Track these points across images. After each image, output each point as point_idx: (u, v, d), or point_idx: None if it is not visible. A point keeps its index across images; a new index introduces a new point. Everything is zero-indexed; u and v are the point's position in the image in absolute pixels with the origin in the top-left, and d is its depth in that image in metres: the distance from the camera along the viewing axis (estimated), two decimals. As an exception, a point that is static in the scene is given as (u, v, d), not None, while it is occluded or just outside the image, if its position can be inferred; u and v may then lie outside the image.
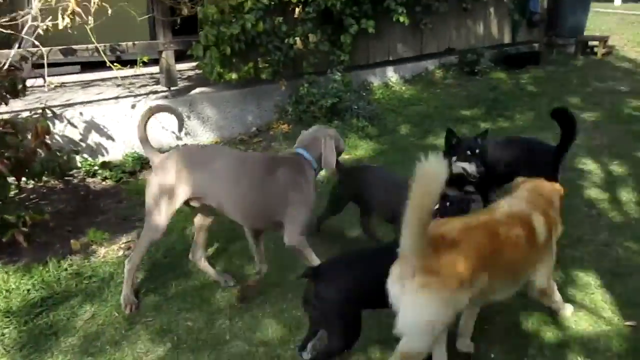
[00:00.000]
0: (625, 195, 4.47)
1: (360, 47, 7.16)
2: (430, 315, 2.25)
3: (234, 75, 5.58)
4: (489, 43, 9.05)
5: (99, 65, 5.54)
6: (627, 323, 2.99)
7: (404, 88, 7.47)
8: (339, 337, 2.54)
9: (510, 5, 9.06)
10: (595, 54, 9.49)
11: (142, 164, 5.16)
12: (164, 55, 5.42)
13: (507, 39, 9.40)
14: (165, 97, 5.56)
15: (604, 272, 3.45)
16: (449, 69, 8.22)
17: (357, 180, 3.69)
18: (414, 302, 2.23)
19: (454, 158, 3.62)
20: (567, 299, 3.16)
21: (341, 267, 2.65)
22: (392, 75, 7.69)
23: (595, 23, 12.48)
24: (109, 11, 4.30)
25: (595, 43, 9.59)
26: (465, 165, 3.59)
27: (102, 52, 4.73)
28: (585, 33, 10.09)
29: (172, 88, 5.63)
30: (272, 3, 5.79)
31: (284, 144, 5.79)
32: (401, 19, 6.79)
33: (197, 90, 5.96)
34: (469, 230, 2.37)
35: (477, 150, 3.59)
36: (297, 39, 6.02)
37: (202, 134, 5.77)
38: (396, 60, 7.75)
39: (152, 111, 3.33)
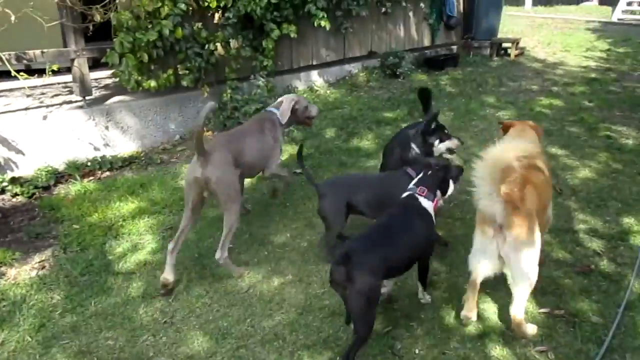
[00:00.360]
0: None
1: (284, 52, 7.17)
2: (537, 254, 2.83)
3: (152, 83, 5.42)
4: (410, 46, 9.32)
5: (6, 75, 5.23)
6: (541, 310, 3.15)
7: (328, 92, 7.54)
8: (368, 324, 2.69)
9: (427, 10, 9.37)
10: (509, 55, 9.98)
11: (57, 177, 4.92)
12: (76, 63, 5.18)
13: (426, 42, 9.71)
14: (80, 107, 5.33)
15: (519, 263, 3.62)
16: (372, 72, 8.39)
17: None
18: (523, 250, 2.76)
19: (437, 141, 4.04)
20: (486, 291, 3.29)
21: (371, 247, 2.78)
22: (316, 79, 7.75)
23: (509, 26, 13.15)
24: (12, 18, 4.07)
25: (509, 45, 10.10)
26: (448, 143, 4.07)
27: (6, 61, 4.46)
28: (499, 35, 10.60)
29: (87, 97, 5.39)
30: (190, 8, 5.69)
31: (209, 151, 5.69)
32: (322, 23, 6.85)
33: (115, 99, 5.76)
34: (524, 186, 2.79)
35: (446, 130, 4.11)
36: (218, 44, 5.95)
37: (122, 144, 5.57)
38: (320, 64, 7.82)
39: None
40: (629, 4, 15.03)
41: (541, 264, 2.96)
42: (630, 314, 3.08)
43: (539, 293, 3.29)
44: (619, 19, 14.25)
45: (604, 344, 2.80)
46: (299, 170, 4.70)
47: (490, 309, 3.17)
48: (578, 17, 14.87)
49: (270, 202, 4.57)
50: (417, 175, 3.32)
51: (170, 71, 5.62)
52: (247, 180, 4.90)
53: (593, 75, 8.59)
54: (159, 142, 5.90)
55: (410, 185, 3.20)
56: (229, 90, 6.08)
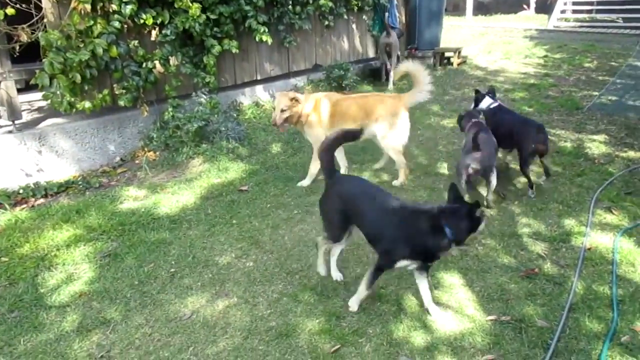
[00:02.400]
0: (484, 194, 4.75)
1: (226, 68, 7.06)
2: None
3: (87, 104, 5.20)
4: (355, 58, 9.38)
5: None
6: (488, 318, 3.14)
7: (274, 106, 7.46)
8: None
9: (370, 22, 9.47)
10: (452, 64, 10.18)
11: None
12: (2, 85, 4.91)
13: (370, 53, 9.80)
14: (10, 131, 5.05)
15: (466, 270, 3.62)
16: (317, 84, 8.37)
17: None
18: None
19: None
20: (436, 302, 3.26)
21: None
22: (261, 94, 7.66)
23: (451, 35, 13.46)
24: None
25: (451, 54, 10.30)
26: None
27: None
28: (442, 45, 10.81)
29: (16, 122, 5.12)
30: (126, 26, 5.51)
31: (151, 172, 5.51)
32: (264, 38, 6.79)
33: (49, 122, 5.50)
34: None
35: None
36: (156, 62, 5.79)
37: (57, 169, 5.31)
38: (265, 78, 7.74)
39: None
40: (563, 12, 15.67)
41: None
42: (574, 316, 3.10)
43: (486, 300, 3.29)
44: (554, 27, 14.82)
45: (550, 348, 2.81)
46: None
47: (438, 321, 3.13)
48: (516, 26, 15.38)
49: (214, 221, 4.43)
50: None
51: (106, 91, 5.41)
52: (189, 200, 4.77)
53: (532, 81, 8.85)
54: (98, 164, 5.67)
55: None
56: (170, 109, 5.91)
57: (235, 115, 6.73)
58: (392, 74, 8.82)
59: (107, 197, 4.91)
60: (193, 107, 5.97)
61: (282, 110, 4.81)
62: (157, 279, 3.67)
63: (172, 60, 6.07)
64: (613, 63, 10.11)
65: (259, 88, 7.64)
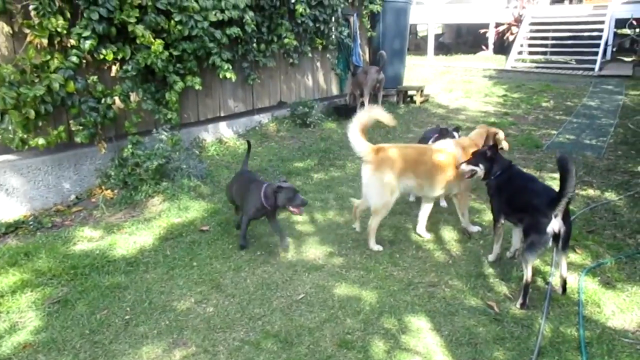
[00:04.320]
0: (448, 234, 4.73)
1: (189, 104, 6.96)
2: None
3: (41, 141, 4.98)
4: (319, 95, 9.42)
5: None
6: (457, 364, 3.04)
7: (238, 143, 7.37)
8: None
9: (334, 60, 9.57)
10: (415, 102, 10.35)
11: None
12: (-51, 121, 4.68)
13: (335, 91, 9.87)
14: (-44, 169, 4.79)
15: (434, 313, 3.54)
16: (282, 121, 8.34)
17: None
18: None
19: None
20: (402, 347, 3.16)
21: None
22: (225, 130, 7.56)
23: (413, 74, 13.74)
24: None
25: (414, 92, 10.48)
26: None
27: None
28: (405, 83, 11.00)
29: (-37, 159, 4.87)
30: (84, 61, 5.37)
31: (108, 211, 5.29)
32: (228, 75, 6.73)
33: (-1, 158, 5.25)
34: None
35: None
36: (116, 98, 5.64)
37: (7, 208, 5.04)
38: (229, 115, 7.66)
39: None
40: (520, 52, 16.26)
41: None
42: (543, 360, 3.04)
43: (454, 345, 3.21)
44: (512, 67, 15.33)
45: (521, 396, 2.73)
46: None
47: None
48: (476, 65, 15.85)
49: (173, 264, 4.24)
50: None
51: (61, 127, 5.21)
52: (148, 241, 4.57)
53: (492, 119, 9.04)
54: (51, 203, 5.42)
55: None
56: (129, 146, 5.73)
57: (197, 152, 6.59)
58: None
59: (60, 238, 4.66)
60: (154, 144, 5.81)
61: None
62: (110, 327, 3.45)
63: (133, 96, 5.93)
64: (569, 103, 10.48)
65: (222, 125, 7.54)
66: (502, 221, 4.00)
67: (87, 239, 4.68)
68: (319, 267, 4.18)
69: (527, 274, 3.57)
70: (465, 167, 4.23)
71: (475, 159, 4.18)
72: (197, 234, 4.78)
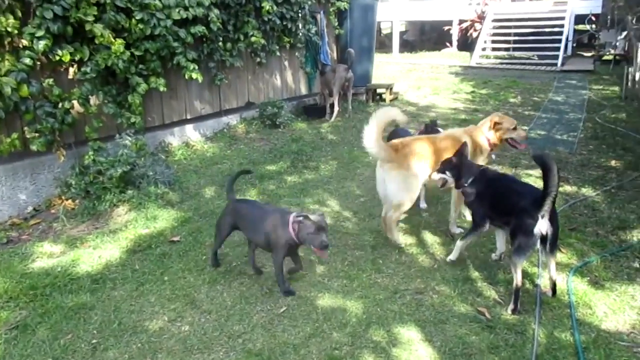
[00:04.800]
0: (430, 237, 4.58)
1: (154, 107, 6.63)
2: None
3: (-8, 150, 4.61)
4: (288, 95, 9.19)
5: None
6: (452, 376, 2.88)
7: (206, 146, 7.08)
8: None
9: (302, 59, 9.36)
10: (384, 100, 10.23)
11: None
12: None
13: (304, 90, 9.66)
14: None
15: (424, 322, 3.37)
16: (251, 123, 8.08)
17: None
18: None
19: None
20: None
21: None
22: (192, 133, 7.26)
23: (380, 72, 13.64)
24: None
25: (383, 90, 10.37)
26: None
27: None
28: (373, 81, 10.88)
29: None
30: (39, 63, 5.01)
31: (69, 223, 4.94)
32: (194, 75, 6.43)
33: (-54, 170, 4.84)
34: None
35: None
36: (75, 102, 5.29)
37: (-43, 224, 4.65)
38: (195, 117, 7.36)
39: None
40: (484, 49, 16.39)
41: None
42: (541, 369, 2.91)
43: (448, 356, 3.05)
44: (477, 63, 15.42)
45: (524, 411, 2.58)
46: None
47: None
48: (441, 62, 15.89)
49: (143, 279, 3.96)
50: None
51: (15, 135, 4.84)
52: (114, 255, 4.27)
53: (463, 116, 9.00)
54: (6, 216, 5.04)
55: None
56: (91, 152, 5.39)
57: (164, 157, 6.28)
58: (336, 108, 8.72)
59: (17, 255, 4.31)
60: (117, 150, 5.47)
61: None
62: (75, 353, 3.16)
63: (93, 100, 5.59)
64: (535, 98, 10.55)
65: (189, 128, 7.23)
66: (487, 226, 3.85)
67: (47, 255, 4.34)
68: (299, 277, 3.97)
69: (517, 278, 3.44)
70: (435, 176, 4.09)
71: (442, 167, 4.03)
72: (167, 245, 4.50)
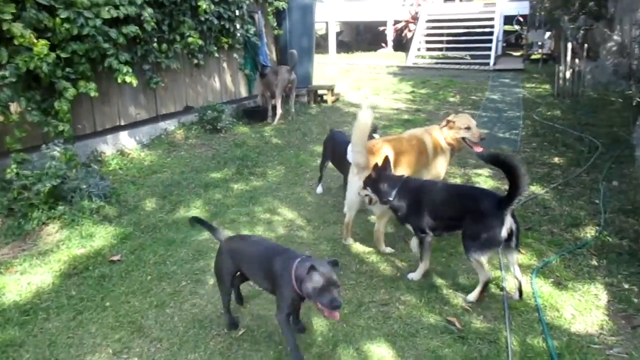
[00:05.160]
0: (389, 244, 4.41)
1: (84, 114, 6.12)
2: None
3: None
4: (228, 98, 8.84)
5: None
6: (429, 394, 2.71)
7: (143, 154, 6.62)
8: None
9: (241, 60, 9.03)
10: (326, 101, 10.07)
11: None
12: None
13: (244, 92, 9.33)
14: None
15: (393, 336, 3.19)
16: (190, 128, 7.66)
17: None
18: None
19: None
20: None
21: None
22: (127, 141, 6.78)
23: (319, 73, 13.47)
24: None
25: (325, 91, 10.20)
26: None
27: None
28: (314, 83, 10.69)
29: None
30: (-51, 67, 4.45)
31: (-9, 246, 4.41)
32: (127, 79, 5.99)
33: None
34: None
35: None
36: (-7, 110, 4.75)
37: None
38: (130, 124, 6.88)
39: None
40: (418, 49, 16.62)
41: None
42: (520, 381, 2.80)
43: (424, 373, 2.87)
44: (413, 63, 15.60)
45: None
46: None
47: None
48: (378, 62, 15.95)
49: (81, 306, 3.55)
50: None
51: None
52: (46, 280, 3.82)
53: (406, 116, 8.98)
54: None
55: None
56: (13, 165, 4.85)
57: (97, 168, 5.77)
58: (279, 111, 8.44)
59: None
60: (44, 162, 4.95)
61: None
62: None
63: (14, 107, 5.07)
64: (473, 97, 10.73)
65: (123, 135, 6.75)
66: (430, 236, 3.70)
67: (-35, 285, 3.83)
68: (256, 293, 3.69)
69: (486, 273, 3.44)
70: (362, 193, 3.93)
71: (364, 183, 3.87)
72: (106, 266, 4.09)
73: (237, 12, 8.28)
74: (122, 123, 6.75)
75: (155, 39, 6.77)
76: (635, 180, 5.27)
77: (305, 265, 2.69)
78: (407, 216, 3.74)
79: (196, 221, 3.39)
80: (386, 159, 3.84)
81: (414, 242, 3.99)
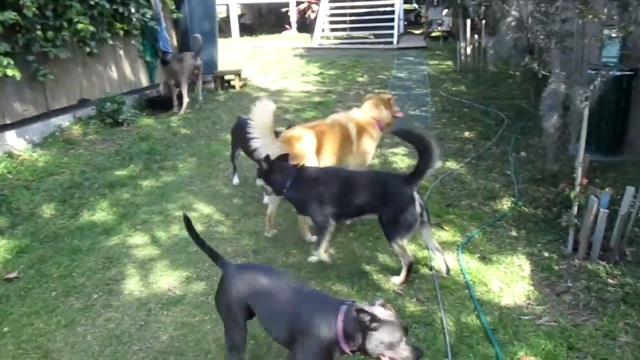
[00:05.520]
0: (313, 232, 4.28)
1: (-40, 113, 5.41)
2: None
3: None
4: (128, 88, 8.24)
5: None
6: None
7: (35, 155, 5.97)
8: None
9: (140, 47, 8.44)
10: (234, 87, 9.70)
11: None
12: None
13: (145, 82, 8.75)
14: None
15: None
16: (87, 123, 7.04)
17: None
18: None
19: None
20: None
21: None
22: (15, 141, 6.08)
23: (223, 57, 13.00)
24: None
25: (232, 77, 9.82)
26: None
27: None
28: (219, 68, 10.26)
29: None
30: None
31: None
32: (9, 72, 5.35)
33: None
34: None
35: None
36: None
37: None
38: (18, 122, 6.19)
39: None
40: (323, 30, 16.53)
41: None
42: (460, 361, 2.77)
43: (363, 365, 2.76)
44: (319, 44, 15.48)
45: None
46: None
47: None
48: (284, 45, 15.67)
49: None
50: None
51: None
52: None
53: (317, 99, 8.85)
54: None
55: None
56: None
57: (-19, 173, 5.14)
58: (185, 99, 7.98)
59: None
60: None
61: None
62: None
63: None
64: (381, 76, 10.82)
65: (10, 134, 6.05)
66: (333, 225, 3.55)
67: None
68: (177, 299, 3.42)
69: (408, 256, 3.42)
70: (258, 183, 3.78)
71: (259, 174, 3.70)
72: (1, 285, 3.61)
73: (131, -5, 7.69)
74: (8, 121, 6.06)
75: (39, 27, 6.08)
76: (542, 150, 5.49)
77: (362, 314, 2.08)
78: (303, 206, 3.59)
79: (194, 239, 2.65)
80: (286, 153, 3.70)
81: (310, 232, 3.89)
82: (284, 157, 3.64)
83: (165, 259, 3.92)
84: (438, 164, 3.33)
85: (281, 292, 2.39)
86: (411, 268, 3.45)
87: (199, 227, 4.39)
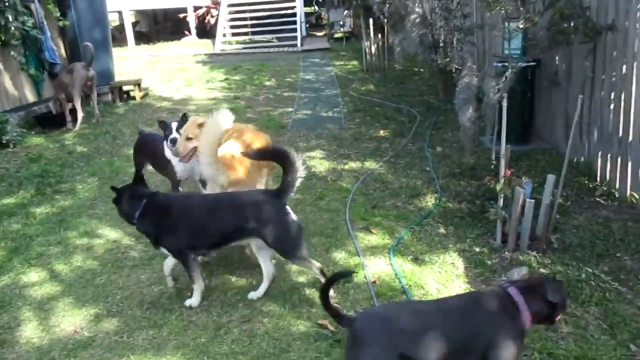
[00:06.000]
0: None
1: None
2: None
3: None
4: (11, 105, 7.43)
5: None
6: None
7: None
8: None
9: (22, 59, 7.62)
10: (134, 98, 9.07)
11: None
12: None
13: (31, 97, 7.93)
14: None
15: (263, 357, 2.77)
16: (-35, 146, 6.23)
17: None
18: None
19: None
20: None
21: None
22: None
23: (120, 67, 12.21)
24: None
25: (131, 87, 9.18)
26: None
27: None
28: (117, 78, 9.57)
29: None
30: None
31: None
32: None
33: None
34: None
35: None
36: None
37: None
38: None
39: None
40: (224, 35, 16.08)
41: None
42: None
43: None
44: (221, 50, 15.01)
45: None
46: None
47: None
48: (184, 52, 15.05)
49: None
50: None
51: None
52: None
53: (225, 105, 8.46)
54: None
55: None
56: None
57: None
58: (80, 114, 7.28)
59: None
60: None
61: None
62: None
63: None
64: (288, 79, 10.62)
65: None
66: (192, 256, 3.21)
67: None
68: (86, 342, 2.98)
69: (315, 264, 3.19)
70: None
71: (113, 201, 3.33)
72: None
73: (7, 2, 6.92)
74: None
75: None
76: (457, 144, 5.53)
77: (530, 285, 2.20)
78: (158, 238, 3.19)
79: (324, 303, 2.23)
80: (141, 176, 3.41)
81: (167, 266, 3.40)
82: (140, 180, 3.29)
83: (68, 296, 3.44)
84: (303, 173, 3.13)
85: (449, 314, 2.17)
86: (324, 273, 3.17)
87: (106, 255, 3.93)
